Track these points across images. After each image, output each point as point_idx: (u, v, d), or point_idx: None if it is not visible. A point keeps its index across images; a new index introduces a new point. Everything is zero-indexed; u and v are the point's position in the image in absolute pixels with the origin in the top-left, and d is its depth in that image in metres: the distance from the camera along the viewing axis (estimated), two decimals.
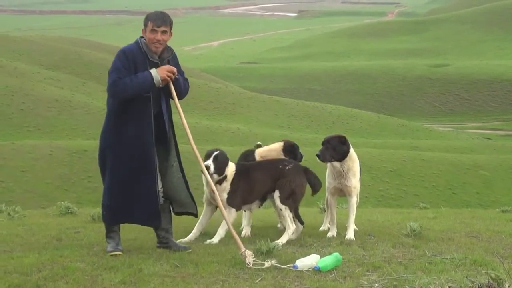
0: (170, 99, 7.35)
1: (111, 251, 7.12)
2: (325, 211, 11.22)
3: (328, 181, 8.48)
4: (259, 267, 6.51)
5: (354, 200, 8.46)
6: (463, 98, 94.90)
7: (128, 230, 8.01)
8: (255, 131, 53.89)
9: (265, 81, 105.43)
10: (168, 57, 7.24)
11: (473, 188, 42.35)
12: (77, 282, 6.01)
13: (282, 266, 6.51)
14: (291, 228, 7.97)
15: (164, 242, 7.42)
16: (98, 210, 8.79)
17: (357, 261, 6.90)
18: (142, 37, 7.18)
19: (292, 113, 67.35)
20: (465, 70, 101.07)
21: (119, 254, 7.06)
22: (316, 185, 8.34)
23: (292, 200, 7.97)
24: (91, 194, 32.69)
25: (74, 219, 10.21)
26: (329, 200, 8.55)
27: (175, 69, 7.15)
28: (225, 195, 7.91)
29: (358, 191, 8.67)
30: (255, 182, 8.05)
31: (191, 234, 8.08)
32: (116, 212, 7.19)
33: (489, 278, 5.30)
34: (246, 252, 6.71)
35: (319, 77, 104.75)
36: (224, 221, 7.74)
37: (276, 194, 7.99)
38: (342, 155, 8.23)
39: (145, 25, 7.10)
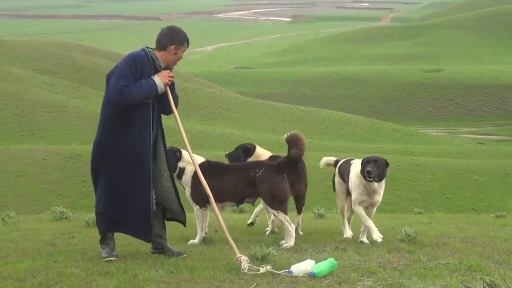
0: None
1: (106, 257, 7.11)
2: (320, 217, 11.22)
3: (358, 194, 8.46)
4: (254, 272, 6.51)
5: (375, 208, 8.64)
6: (457, 103, 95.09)
7: (123, 236, 7.99)
8: (249, 136, 53.85)
9: (260, 86, 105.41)
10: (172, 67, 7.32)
11: (467, 193, 42.39)
12: (72, 287, 6.00)
13: (277, 272, 6.51)
14: (291, 230, 7.97)
15: (159, 248, 7.41)
16: (93, 215, 8.77)
17: (352, 266, 6.90)
18: (148, 47, 7.21)
19: (286, 117, 67.38)
20: (458, 75, 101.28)
21: (114, 260, 7.05)
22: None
23: (278, 203, 7.96)
24: (86, 199, 32.59)
25: (68, 224, 10.19)
26: (359, 210, 8.50)
27: (172, 73, 7.21)
28: (188, 190, 8.20)
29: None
30: (225, 183, 8.07)
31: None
32: (109, 220, 7.19)
33: (484, 283, 5.31)
34: (241, 258, 6.71)
35: (313, 82, 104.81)
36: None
37: (263, 203, 8.08)
38: (383, 177, 8.34)
39: (181, 44, 7.15)
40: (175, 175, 8.19)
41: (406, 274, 6.58)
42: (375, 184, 8.26)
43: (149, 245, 7.51)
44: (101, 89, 7.65)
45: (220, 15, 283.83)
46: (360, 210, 8.46)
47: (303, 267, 6.58)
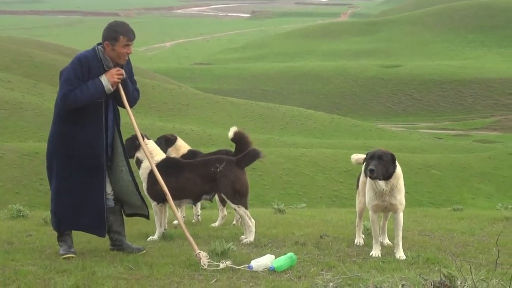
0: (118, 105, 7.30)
1: (64, 254, 7.02)
2: (280, 212, 11.23)
3: (369, 197, 7.55)
4: (214, 268, 6.50)
5: (401, 217, 7.56)
6: (415, 99, 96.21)
7: (81, 233, 7.90)
8: (209, 132, 53.77)
9: (219, 82, 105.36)
10: (123, 63, 7.14)
11: (425, 187, 42.92)
12: (29, 286, 5.92)
13: (237, 267, 6.50)
14: (251, 225, 7.97)
15: (118, 245, 7.35)
16: (50, 213, 8.66)
17: (312, 261, 6.93)
18: (99, 44, 7.07)
19: (246, 114, 67.43)
20: (416, 70, 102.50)
21: (72, 257, 6.97)
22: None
23: (239, 197, 7.96)
24: (43, 197, 32.20)
25: (25, 222, 10.05)
26: (371, 217, 7.58)
27: (122, 70, 7.08)
28: (144, 185, 8.15)
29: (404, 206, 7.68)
30: (183, 180, 8.06)
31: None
32: (62, 219, 7.11)
33: (442, 275, 5.36)
34: (200, 254, 6.69)
35: (272, 78, 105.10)
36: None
37: (224, 197, 8.06)
38: (390, 175, 7.33)
39: (115, 39, 6.94)
40: (133, 162, 8.08)
41: (365, 268, 6.64)
42: (381, 183, 7.31)
43: (108, 242, 7.45)
44: (58, 86, 7.50)
45: (179, 11, 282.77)
46: (373, 217, 7.55)
47: (263, 262, 6.59)
